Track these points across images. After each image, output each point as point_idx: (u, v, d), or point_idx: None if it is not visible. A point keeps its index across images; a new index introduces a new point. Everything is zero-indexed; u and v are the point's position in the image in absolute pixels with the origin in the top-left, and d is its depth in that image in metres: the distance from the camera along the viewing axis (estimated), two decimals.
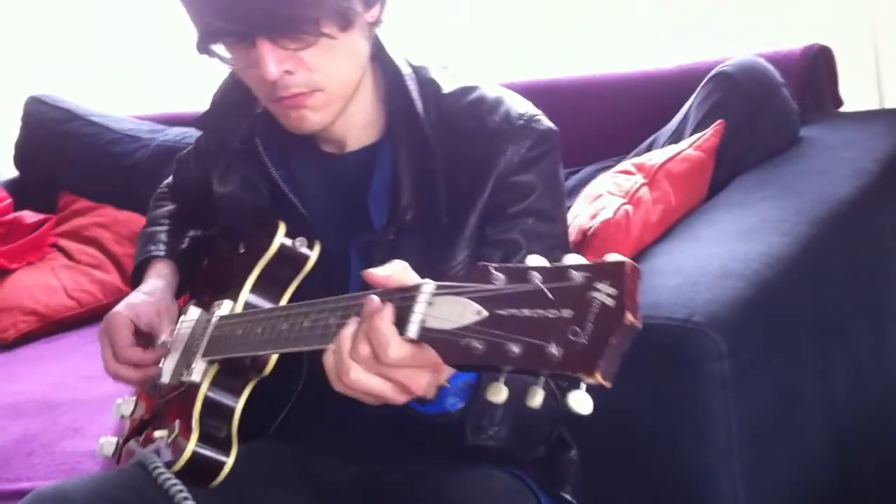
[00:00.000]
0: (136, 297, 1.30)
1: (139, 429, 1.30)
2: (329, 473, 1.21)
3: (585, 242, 1.40)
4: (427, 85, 1.20)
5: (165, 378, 1.25)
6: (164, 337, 1.27)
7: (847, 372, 1.55)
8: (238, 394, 1.15)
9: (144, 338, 1.27)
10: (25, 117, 2.93)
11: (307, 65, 1.08)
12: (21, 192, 2.84)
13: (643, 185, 1.55)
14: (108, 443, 1.36)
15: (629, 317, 0.69)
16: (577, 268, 0.73)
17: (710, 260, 1.37)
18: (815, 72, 1.96)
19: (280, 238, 1.20)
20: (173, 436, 1.14)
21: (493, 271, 0.77)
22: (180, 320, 1.29)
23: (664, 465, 1.31)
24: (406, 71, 1.20)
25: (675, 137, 1.84)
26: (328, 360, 0.88)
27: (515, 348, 0.73)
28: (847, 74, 2.03)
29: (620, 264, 0.71)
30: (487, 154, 1.15)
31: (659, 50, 2.29)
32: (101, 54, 3.28)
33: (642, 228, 1.48)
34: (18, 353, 2.33)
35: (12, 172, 3.04)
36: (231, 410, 1.14)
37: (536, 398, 0.76)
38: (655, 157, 1.66)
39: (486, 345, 0.75)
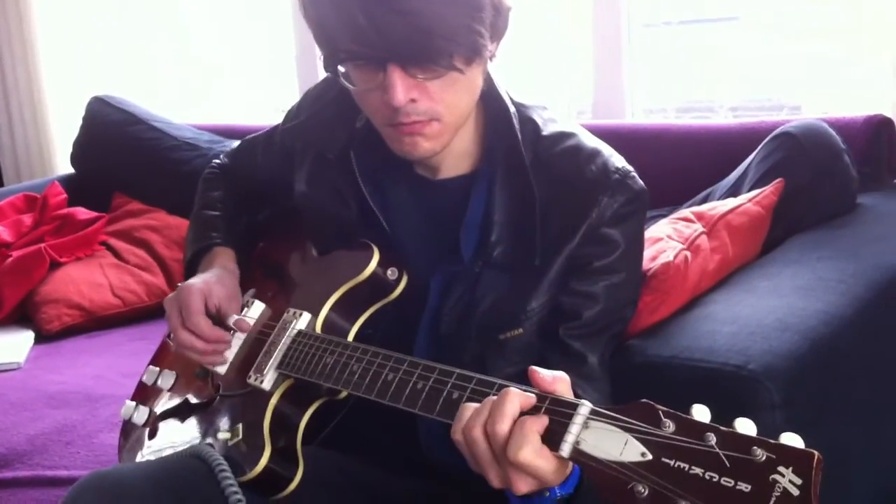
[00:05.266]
0: (208, 276, 1.30)
1: (183, 408, 1.28)
2: (385, 485, 1.21)
3: (644, 282, 1.40)
4: (527, 124, 1.20)
5: (222, 369, 1.25)
6: (233, 318, 1.26)
7: None
8: (305, 409, 1.15)
9: (211, 318, 1.26)
10: (87, 117, 2.97)
11: (431, 95, 1.09)
12: (76, 189, 2.88)
13: (702, 233, 1.55)
14: (140, 412, 1.35)
15: None
16: (760, 444, 0.72)
17: (768, 312, 1.37)
18: (875, 142, 1.96)
19: (373, 266, 1.20)
20: (236, 440, 1.14)
21: (662, 416, 0.77)
22: (243, 312, 1.29)
23: None
24: (512, 109, 1.21)
25: (732, 192, 1.85)
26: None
27: None
28: None
29: (810, 455, 0.71)
30: (581, 202, 1.16)
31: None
32: (167, 60, 3.34)
33: (700, 275, 1.49)
34: (60, 346, 2.36)
35: (69, 169, 3.09)
36: (296, 425, 1.14)
37: None
38: (715, 207, 1.67)
39: (652, 493, 0.75)
